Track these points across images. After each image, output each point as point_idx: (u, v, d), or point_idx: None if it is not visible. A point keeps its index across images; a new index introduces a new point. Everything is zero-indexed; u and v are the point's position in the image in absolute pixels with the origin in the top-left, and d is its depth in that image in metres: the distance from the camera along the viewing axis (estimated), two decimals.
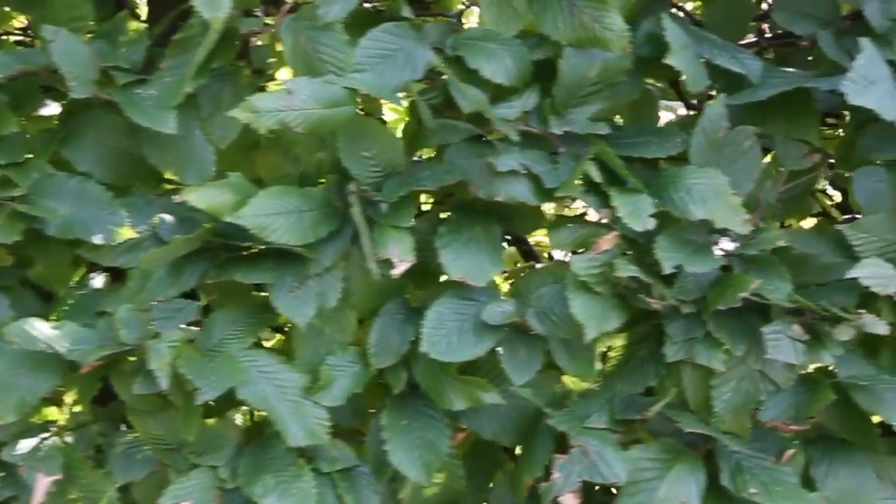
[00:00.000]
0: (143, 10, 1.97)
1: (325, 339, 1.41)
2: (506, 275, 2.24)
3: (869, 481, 1.38)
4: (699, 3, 2.02)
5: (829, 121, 1.84)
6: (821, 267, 1.40)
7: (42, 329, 1.32)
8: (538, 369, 1.39)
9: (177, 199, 1.31)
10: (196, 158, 1.42)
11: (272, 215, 1.29)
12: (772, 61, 1.74)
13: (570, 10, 1.33)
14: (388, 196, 1.32)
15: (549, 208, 2.23)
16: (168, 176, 1.46)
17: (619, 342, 1.46)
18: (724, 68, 1.39)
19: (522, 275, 1.45)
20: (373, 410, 1.49)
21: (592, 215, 1.43)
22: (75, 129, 1.44)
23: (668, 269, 1.28)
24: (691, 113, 1.79)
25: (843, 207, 2.17)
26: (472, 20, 2.27)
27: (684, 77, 1.34)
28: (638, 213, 1.29)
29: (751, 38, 1.85)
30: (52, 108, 1.50)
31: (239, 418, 2.21)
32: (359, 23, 1.38)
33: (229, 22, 1.32)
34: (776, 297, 1.29)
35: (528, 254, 2.31)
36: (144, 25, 1.53)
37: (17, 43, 2.19)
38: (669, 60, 1.31)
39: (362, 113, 2.04)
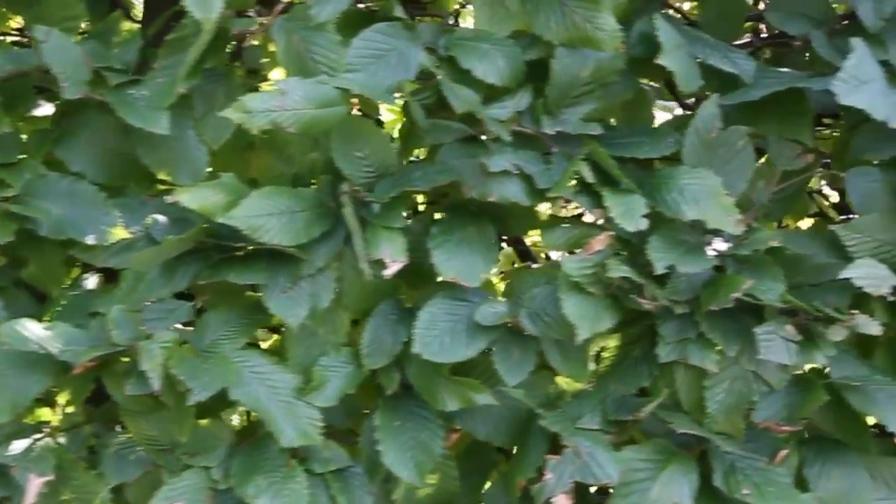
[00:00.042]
0: (140, 11, 1.97)
1: (318, 339, 1.41)
2: (503, 275, 2.24)
3: (862, 482, 1.38)
4: (696, 3, 2.03)
5: (826, 121, 1.84)
6: (814, 267, 1.40)
7: (34, 330, 1.32)
8: (531, 370, 1.39)
9: (169, 199, 1.31)
10: (189, 159, 1.42)
11: (264, 216, 1.29)
12: (769, 61, 1.75)
13: (562, 10, 1.33)
14: (380, 196, 1.32)
15: (546, 209, 2.24)
16: (161, 176, 1.46)
17: (612, 343, 1.46)
18: (717, 68, 1.39)
19: (515, 275, 1.44)
20: (367, 411, 1.48)
21: (589, 216, 1.43)
22: (69, 130, 1.44)
23: (660, 269, 1.27)
24: (686, 113, 1.79)
25: (841, 208, 2.17)
26: (469, 21, 2.27)
27: (676, 77, 1.34)
28: (630, 213, 1.28)
29: (748, 38, 1.86)
30: (45, 109, 1.50)
31: (236, 419, 2.22)
32: (352, 23, 1.38)
33: (222, 22, 1.32)
34: (769, 297, 1.28)
35: (525, 254, 2.31)
36: (138, 26, 1.52)
37: (14, 44, 2.19)
38: (661, 61, 1.31)
39: (360, 113, 2.05)
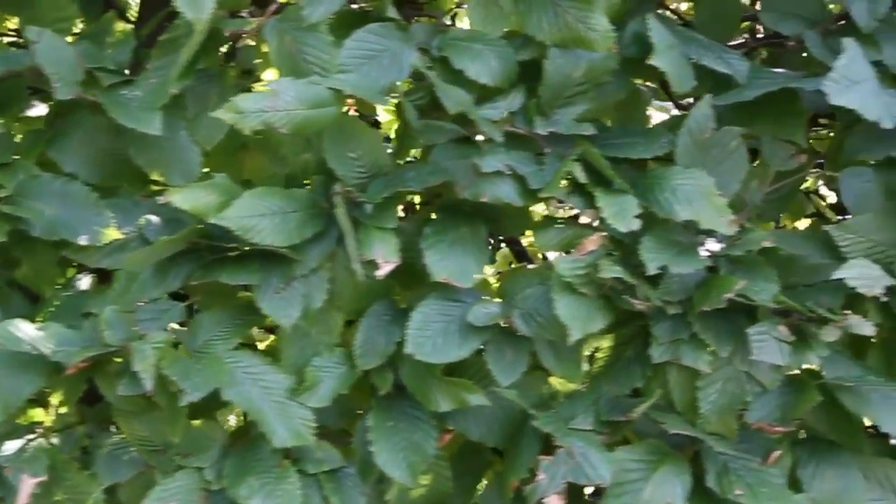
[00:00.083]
0: (137, 12, 1.97)
1: (312, 340, 1.41)
2: (500, 276, 2.24)
3: (856, 482, 1.38)
4: (692, 4, 2.02)
5: (822, 121, 1.84)
6: (808, 268, 1.40)
7: (27, 330, 1.32)
8: (524, 371, 1.39)
9: (161, 200, 1.31)
10: (182, 159, 1.42)
11: (256, 216, 1.29)
12: (766, 61, 1.74)
13: (554, 10, 1.32)
14: (372, 197, 1.32)
15: (542, 209, 2.23)
16: (154, 177, 1.46)
17: (605, 343, 1.46)
18: (711, 69, 1.39)
19: (508, 276, 1.44)
20: (360, 412, 1.48)
21: (584, 217, 1.43)
22: (62, 130, 1.44)
23: (652, 269, 1.27)
24: (681, 113, 1.79)
25: (838, 208, 2.17)
26: (466, 21, 2.27)
27: (669, 78, 1.34)
28: (623, 213, 1.28)
29: (744, 39, 1.86)
30: (39, 109, 1.50)
31: (233, 419, 2.22)
32: (345, 23, 1.38)
33: (214, 23, 1.32)
34: (762, 298, 1.28)
35: (521, 255, 2.31)
36: (131, 26, 1.52)
37: (11, 44, 2.19)
38: (653, 61, 1.31)
39: (356, 114, 2.05)
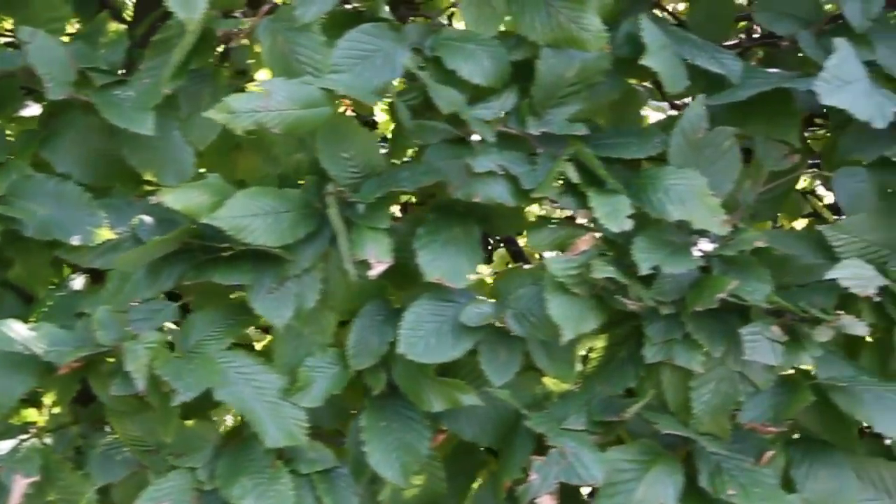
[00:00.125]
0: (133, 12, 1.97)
1: (305, 340, 1.41)
2: (497, 276, 2.23)
3: (849, 482, 1.37)
4: (687, 4, 2.02)
5: (818, 121, 1.84)
6: (802, 268, 1.40)
7: (19, 330, 1.32)
8: (518, 371, 1.39)
9: (153, 200, 1.31)
10: (175, 159, 1.41)
11: (249, 216, 1.29)
12: (762, 61, 1.74)
13: (547, 10, 1.32)
14: (365, 197, 1.32)
15: (538, 209, 2.23)
16: (147, 177, 1.45)
17: (599, 344, 1.45)
18: (704, 69, 1.39)
19: (501, 276, 1.44)
20: (354, 412, 1.48)
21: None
22: (55, 131, 1.44)
23: (644, 269, 1.27)
24: (675, 113, 1.79)
25: (835, 208, 2.16)
26: (463, 21, 2.27)
27: (662, 78, 1.33)
28: (615, 213, 1.28)
29: (742, 38, 1.86)
30: (33, 109, 1.50)
31: (230, 419, 2.22)
32: (339, 23, 1.38)
33: (207, 23, 1.32)
34: (755, 298, 1.28)
35: (518, 255, 2.31)
36: (125, 27, 1.52)
37: (7, 45, 2.19)
38: (645, 61, 1.31)
39: (353, 114, 2.04)
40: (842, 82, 1.25)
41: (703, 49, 1.41)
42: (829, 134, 1.76)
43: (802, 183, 2.30)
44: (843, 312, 1.29)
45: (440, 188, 1.38)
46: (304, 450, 1.39)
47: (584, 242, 1.32)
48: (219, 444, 1.42)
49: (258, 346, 2.10)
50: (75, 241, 1.36)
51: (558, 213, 2.35)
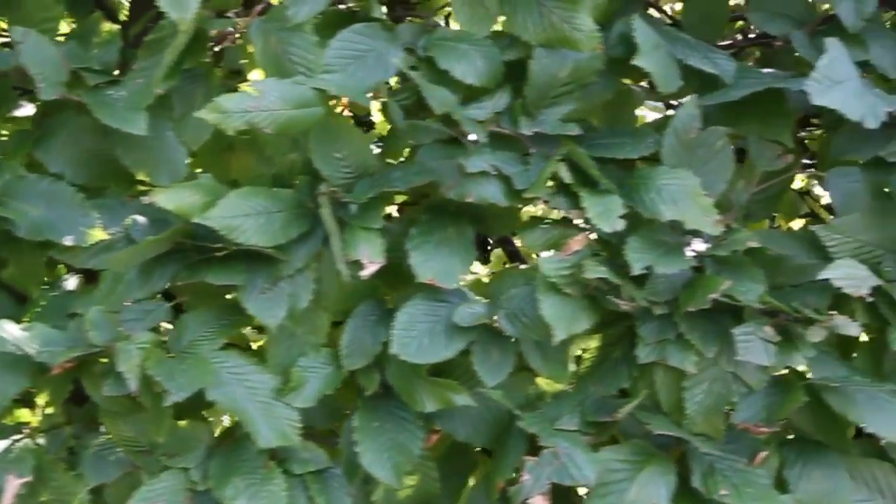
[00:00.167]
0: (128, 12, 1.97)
1: (298, 340, 1.41)
2: (493, 276, 2.23)
3: (842, 483, 1.37)
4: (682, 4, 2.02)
5: (815, 121, 1.84)
6: (796, 268, 1.40)
7: (11, 331, 1.32)
8: (511, 371, 1.39)
9: (145, 200, 1.31)
10: (168, 160, 1.41)
11: (241, 216, 1.29)
12: (759, 61, 1.74)
13: (539, 10, 1.32)
14: (357, 197, 1.32)
15: (535, 210, 2.23)
16: (140, 177, 1.45)
17: (593, 344, 1.45)
18: (697, 69, 1.39)
19: (494, 276, 1.44)
20: (348, 412, 1.48)
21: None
22: (48, 131, 1.44)
23: (637, 269, 1.27)
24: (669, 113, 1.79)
25: (833, 208, 2.16)
26: None
27: (654, 78, 1.33)
28: (607, 214, 1.28)
29: (738, 38, 1.85)
30: (26, 110, 1.50)
31: (227, 419, 2.21)
32: (332, 23, 1.38)
33: (200, 23, 1.32)
34: (747, 298, 1.28)
35: (514, 255, 2.30)
36: (118, 27, 1.53)
37: (1, 45, 2.19)
38: (637, 61, 1.31)
39: (350, 114, 2.04)
40: (832, 82, 1.25)
41: (697, 49, 1.40)
42: (825, 134, 1.76)
43: (800, 183, 2.29)
44: (836, 313, 1.29)
45: (434, 188, 1.38)
46: (297, 450, 1.39)
47: (577, 243, 1.32)
48: (212, 444, 1.42)
49: (255, 346, 2.09)
50: (68, 241, 1.35)
51: (556, 214, 2.36)
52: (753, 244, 1.32)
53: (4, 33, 2.25)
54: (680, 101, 1.80)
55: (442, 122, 1.37)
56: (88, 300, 1.38)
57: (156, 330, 1.40)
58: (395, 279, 1.41)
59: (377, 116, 2.42)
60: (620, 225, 1.27)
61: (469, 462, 1.54)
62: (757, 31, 1.82)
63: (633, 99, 1.63)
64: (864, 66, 1.38)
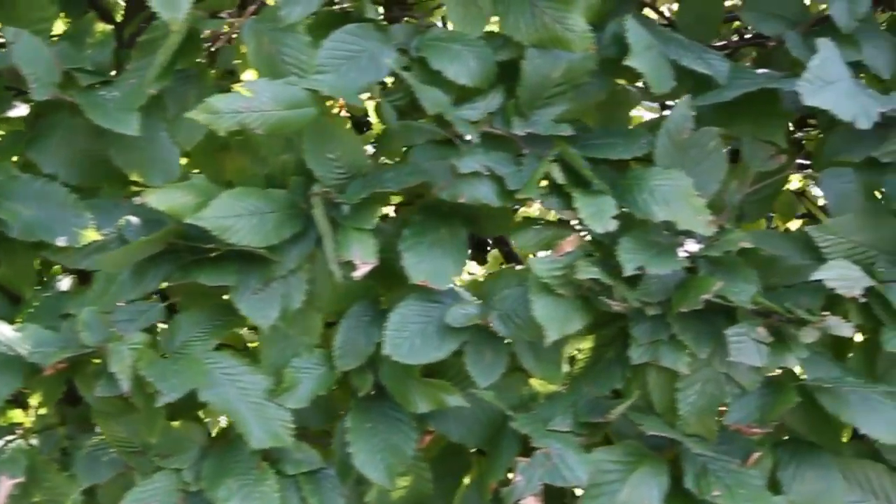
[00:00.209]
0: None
1: (291, 341, 1.41)
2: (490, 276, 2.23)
3: (836, 484, 1.37)
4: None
5: (811, 122, 1.83)
6: (789, 269, 1.39)
7: (3, 331, 1.32)
8: (504, 372, 1.38)
9: (137, 200, 1.31)
10: (161, 160, 1.41)
11: (233, 217, 1.29)
12: (755, 62, 1.74)
13: (532, 10, 1.32)
14: (350, 198, 1.32)
15: (531, 211, 2.23)
16: (134, 178, 1.45)
17: (586, 345, 1.45)
18: (691, 69, 1.38)
19: (487, 277, 1.44)
20: (342, 413, 1.48)
21: None
22: (42, 131, 1.43)
23: (629, 270, 1.27)
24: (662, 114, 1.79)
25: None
26: None
27: (647, 78, 1.33)
28: (600, 214, 1.28)
29: (733, 39, 1.85)
30: (20, 110, 1.50)
31: (224, 420, 2.21)
32: (325, 24, 1.38)
33: (193, 23, 1.32)
34: (740, 299, 1.28)
35: (510, 255, 2.30)
36: (112, 27, 1.52)
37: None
38: (630, 62, 1.31)
39: (347, 115, 2.04)
40: (824, 82, 1.24)
41: (690, 49, 1.40)
42: (820, 135, 1.76)
43: (797, 184, 2.29)
44: (829, 314, 1.28)
45: (427, 189, 1.38)
46: (290, 451, 1.39)
47: (570, 243, 1.32)
48: (205, 445, 1.41)
49: (250, 346, 2.09)
50: (61, 241, 1.35)
51: (552, 215, 2.35)
52: (746, 245, 1.32)
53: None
54: (676, 101, 1.83)
55: (435, 123, 1.37)
56: (81, 301, 1.38)
57: (151, 330, 1.40)
58: (389, 280, 1.41)
59: (374, 117, 2.42)
60: (613, 225, 1.27)
61: (463, 463, 1.54)
62: (752, 31, 1.82)
63: (626, 99, 1.62)
64: (858, 67, 1.38)
